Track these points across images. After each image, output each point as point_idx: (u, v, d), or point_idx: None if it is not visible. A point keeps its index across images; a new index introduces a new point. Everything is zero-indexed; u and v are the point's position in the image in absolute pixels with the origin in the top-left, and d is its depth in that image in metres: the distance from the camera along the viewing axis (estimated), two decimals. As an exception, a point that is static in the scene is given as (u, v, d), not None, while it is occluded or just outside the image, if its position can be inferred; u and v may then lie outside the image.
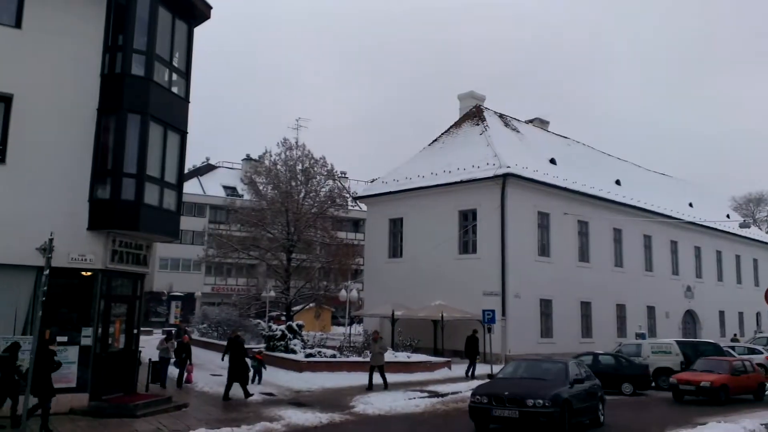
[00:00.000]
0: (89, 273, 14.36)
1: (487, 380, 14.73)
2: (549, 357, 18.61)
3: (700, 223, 41.39)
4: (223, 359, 20.57)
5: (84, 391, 13.85)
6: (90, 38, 14.77)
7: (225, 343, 23.10)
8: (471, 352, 23.61)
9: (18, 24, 13.93)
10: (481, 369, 24.07)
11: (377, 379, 19.46)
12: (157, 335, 37.05)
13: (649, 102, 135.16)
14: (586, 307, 32.38)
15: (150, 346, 21.02)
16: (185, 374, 18.81)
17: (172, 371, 18.73)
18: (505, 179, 28.67)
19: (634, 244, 36.58)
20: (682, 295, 40.34)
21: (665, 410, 17.56)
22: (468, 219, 30.29)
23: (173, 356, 18.73)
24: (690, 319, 41.33)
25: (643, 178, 43.78)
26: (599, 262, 33.58)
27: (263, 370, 19.85)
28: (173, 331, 22.12)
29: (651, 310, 37.21)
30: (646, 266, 37.70)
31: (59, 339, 13.68)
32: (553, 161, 33.79)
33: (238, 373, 16.77)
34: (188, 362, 18.87)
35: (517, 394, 12.67)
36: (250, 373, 18.57)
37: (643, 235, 37.48)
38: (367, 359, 22.84)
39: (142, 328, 17.21)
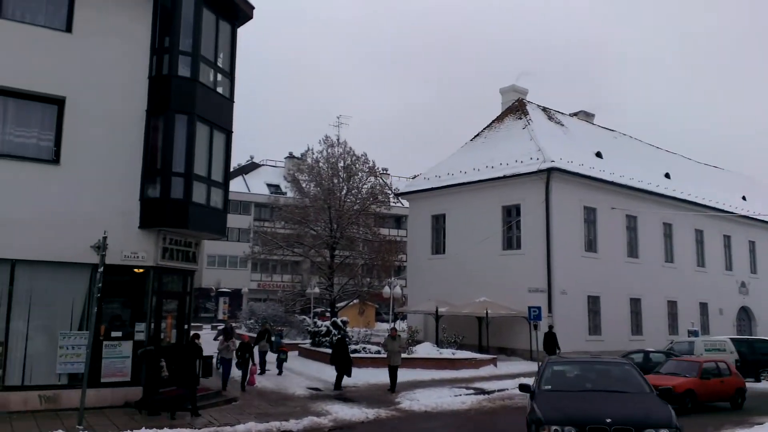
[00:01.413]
0: (141, 270, 14.75)
1: (533, 392, 9.96)
2: (598, 355, 18.16)
3: (755, 216, 39.85)
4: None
5: (138, 385, 14.22)
6: (138, 41, 15.16)
7: (273, 339, 23.59)
8: (550, 347, 23.63)
9: (69, 28, 14.39)
10: (513, 366, 23.82)
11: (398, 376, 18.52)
12: (207, 331, 37.93)
13: (690, 97, 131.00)
14: (635, 303, 31.58)
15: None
16: (248, 376, 18.01)
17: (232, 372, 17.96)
18: (549, 173, 28.17)
19: (685, 238, 35.47)
20: (736, 290, 38.94)
21: (718, 409, 16.96)
22: (512, 214, 29.89)
23: (234, 356, 17.94)
24: (745, 315, 39.85)
25: (694, 170, 42.40)
26: (649, 257, 32.69)
27: (285, 361, 21.35)
28: (227, 328, 21.79)
29: (704, 306, 36.03)
30: (698, 261, 36.53)
31: (114, 334, 14.14)
32: (599, 155, 33.04)
33: (344, 366, 18.19)
34: (251, 363, 18.07)
35: (626, 421, 8.51)
36: (286, 363, 20.25)
37: (694, 230, 36.30)
38: (411, 355, 22.88)
39: (192, 324, 17.55)
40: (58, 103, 14.12)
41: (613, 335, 29.08)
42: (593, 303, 29.34)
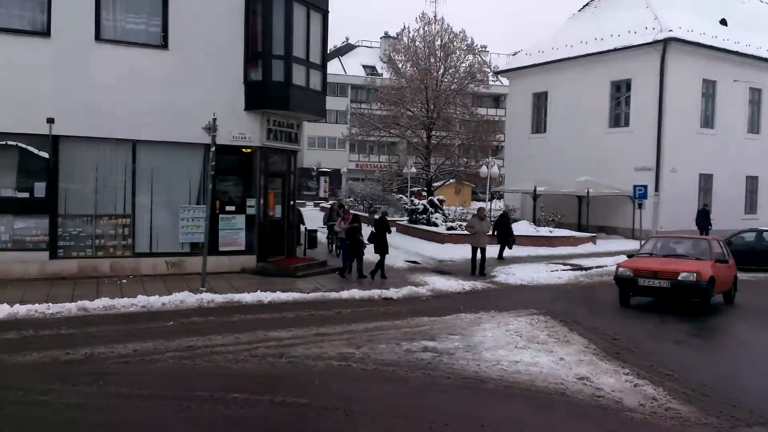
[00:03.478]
0: (249, 150, 15.61)
1: None
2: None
3: None
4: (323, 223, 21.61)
5: (251, 254, 15.58)
6: None
7: (367, 214, 24.29)
8: (703, 224, 23.88)
9: None
10: (614, 245, 23.36)
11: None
12: (310, 208, 39.90)
13: None
14: (751, 182, 29.62)
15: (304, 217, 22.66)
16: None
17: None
18: (666, 44, 25.89)
19: (817, 112, 32.08)
20: None
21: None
22: (621, 90, 28.12)
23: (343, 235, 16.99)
24: None
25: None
26: (772, 133, 30.12)
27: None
28: (337, 206, 20.51)
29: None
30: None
31: (228, 208, 15.33)
32: (723, 22, 29.75)
33: (506, 239, 19.55)
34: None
35: None
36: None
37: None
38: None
39: (296, 201, 18.55)
40: (165, -12, 14.51)
41: (724, 214, 27.53)
42: (705, 181, 27.83)
